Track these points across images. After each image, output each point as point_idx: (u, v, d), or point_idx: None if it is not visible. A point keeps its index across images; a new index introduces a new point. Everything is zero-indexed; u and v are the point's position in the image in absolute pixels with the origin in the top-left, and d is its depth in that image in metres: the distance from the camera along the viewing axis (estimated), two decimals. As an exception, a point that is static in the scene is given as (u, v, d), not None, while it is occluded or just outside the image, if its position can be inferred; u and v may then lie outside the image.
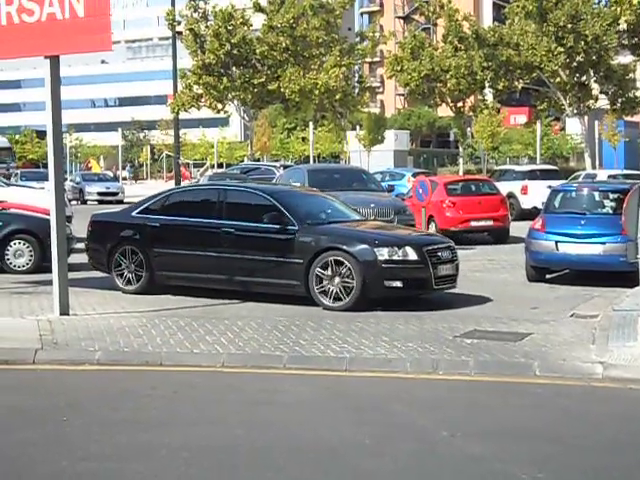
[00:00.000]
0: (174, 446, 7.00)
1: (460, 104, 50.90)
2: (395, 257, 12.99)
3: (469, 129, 56.97)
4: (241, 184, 17.10)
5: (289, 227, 13.43)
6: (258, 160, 60.97)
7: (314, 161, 56.87)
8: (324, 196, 15.98)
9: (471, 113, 52.70)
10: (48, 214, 13.08)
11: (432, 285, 13.24)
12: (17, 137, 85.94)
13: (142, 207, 15.13)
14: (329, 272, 12.96)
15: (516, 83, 49.19)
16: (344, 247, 13.03)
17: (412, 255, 13.05)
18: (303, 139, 73.18)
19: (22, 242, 17.16)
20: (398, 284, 12.95)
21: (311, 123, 54.63)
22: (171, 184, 56.52)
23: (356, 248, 13.00)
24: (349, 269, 12.86)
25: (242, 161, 66.34)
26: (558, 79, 45.95)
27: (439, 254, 13.36)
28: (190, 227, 14.33)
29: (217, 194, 14.50)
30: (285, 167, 38.25)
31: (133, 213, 15.11)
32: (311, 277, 13.03)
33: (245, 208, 14.16)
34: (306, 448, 7.01)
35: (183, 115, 52.74)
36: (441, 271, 13.30)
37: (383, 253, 12.97)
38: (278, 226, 13.47)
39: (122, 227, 14.88)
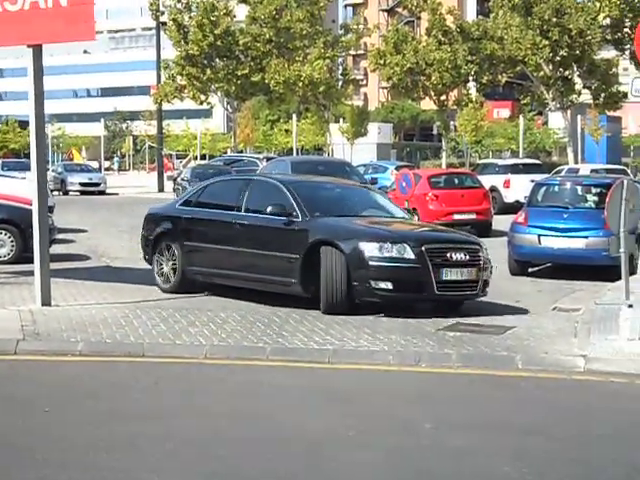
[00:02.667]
0: (156, 437, 6.97)
1: (444, 98, 50.95)
2: (386, 254, 11.58)
3: (452, 123, 57.07)
4: (267, 175, 16.06)
5: (294, 219, 12.42)
6: (241, 152, 60.92)
7: (297, 153, 56.82)
8: (369, 191, 15.09)
9: (455, 107, 52.79)
10: (30, 204, 13.00)
11: (433, 290, 11.64)
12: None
13: (184, 199, 14.57)
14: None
15: (500, 77, 49.31)
16: (335, 241, 11.81)
17: (408, 253, 11.61)
18: (286, 131, 73.06)
19: (3, 232, 17.06)
20: (387, 285, 11.58)
21: (294, 115, 54.58)
22: (153, 175, 56.42)
23: (344, 242, 11.75)
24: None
25: (225, 153, 66.28)
26: (541, 73, 46.06)
27: (448, 255, 11.77)
28: (212, 220, 13.61)
29: (243, 186, 13.70)
30: (268, 159, 38.22)
31: (176, 205, 14.58)
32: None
33: (263, 200, 13.02)
34: (290, 440, 7.00)
35: (166, 106, 52.67)
36: (448, 275, 11.72)
37: (371, 248, 11.62)
38: (285, 218, 12.46)
39: (164, 220, 14.25)
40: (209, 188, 14.41)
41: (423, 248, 11.62)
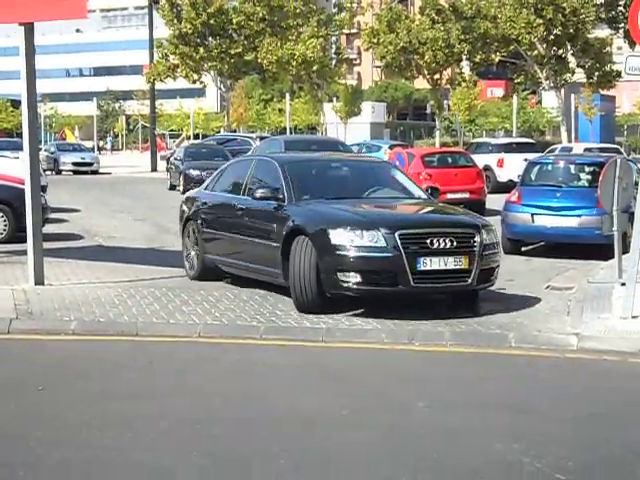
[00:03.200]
0: (150, 416, 6.98)
1: (437, 77, 50.84)
2: (354, 242, 10.31)
3: (446, 102, 56.98)
4: (269, 154, 14.82)
5: (281, 204, 11.43)
6: (234, 131, 60.83)
7: (291, 133, 56.71)
8: (387, 168, 13.77)
9: (448, 86, 52.69)
10: (22, 184, 12.96)
11: (409, 282, 10.24)
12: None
13: (209, 182, 13.78)
14: None
15: (493, 56, 49.16)
16: (305, 228, 10.79)
17: (379, 241, 10.31)
18: (280, 110, 72.90)
19: (-4, 211, 17.01)
20: (355, 277, 10.33)
21: (288, 94, 54.49)
22: (146, 155, 56.33)
23: (314, 229, 10.68)
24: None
25: (218, 132, 66.13)
26: (535, 52, 45.99)
27: (427, 241, 10.34)
28: (220, 205, 12.90)
29: (248, 167, 12.81)
30: (262, 138, 38.16)
31: (202, 189, 13.84)
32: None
33: (261, 182, 12.17)
34: (284, 419, 7.01)
35: (160, 85, 52.52)
36: (427, 264, 10.32)
37: (338, 235, 10.40)
38: (274, 202, 11.50)
39: (191, 203, 13.57)
40: (226, 170, 13.70)
41: (397, 234, 10.25)
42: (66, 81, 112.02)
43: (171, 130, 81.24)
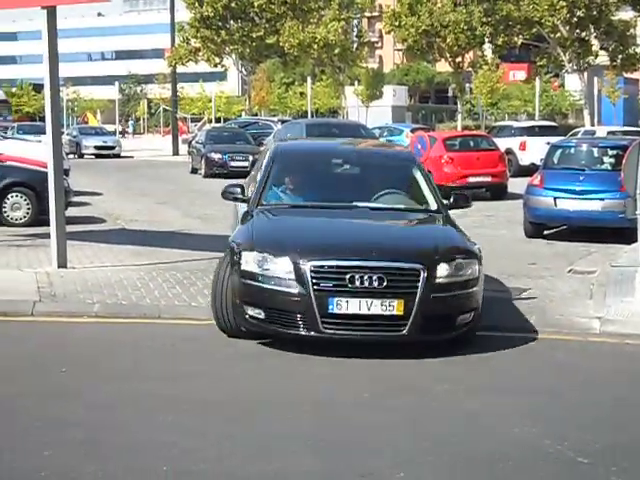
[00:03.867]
0: (170, 399, 7.00)
1: (459, 60, 50.64)
2: (264, 270, 8.38)
3: (468, 85, 56.76)
4: (277, 144, 11.84)
5: (248, 209, 9.68)
6: (256, 115, 60.82)
7: (312, 116, 56.68)
8: (407, 164, 10.60)
9: (470, 69, 52.48)
10: (45, 167, 13.01)
11: (317, 326, 8.15)
12: (13, 90, 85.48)
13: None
14: None
15: (516, 39, 48.91)
16: (232, 246, 8.93)
17: (286, 272, 8.25)
18: (301, 94, 72.86)
19: (19, 195, 17.08)
20: (260, 314, 8.45)
21: (309, 78, 54.42)
22: (168, 139, 56.43)
23: (236, 249, 8.74)
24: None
25: (240, 116, 66.18)
26: (558, 34, 45.69)
27: (347, 277, 8.08)
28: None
29: (265, 156, 10.85)
30: (283, 122, 38.17)
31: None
32: None
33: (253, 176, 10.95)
34: (304, 402, 7.02)
35: (181, 69, 52.57)
36: (341, 306, 8.10)
37: (249, 261, 8.48)
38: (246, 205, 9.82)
39: None
40: (257, 160, 12.28)
41: (308, 266, 8.17)
42: (88, 65, 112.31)
43: (193, 114, 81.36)
